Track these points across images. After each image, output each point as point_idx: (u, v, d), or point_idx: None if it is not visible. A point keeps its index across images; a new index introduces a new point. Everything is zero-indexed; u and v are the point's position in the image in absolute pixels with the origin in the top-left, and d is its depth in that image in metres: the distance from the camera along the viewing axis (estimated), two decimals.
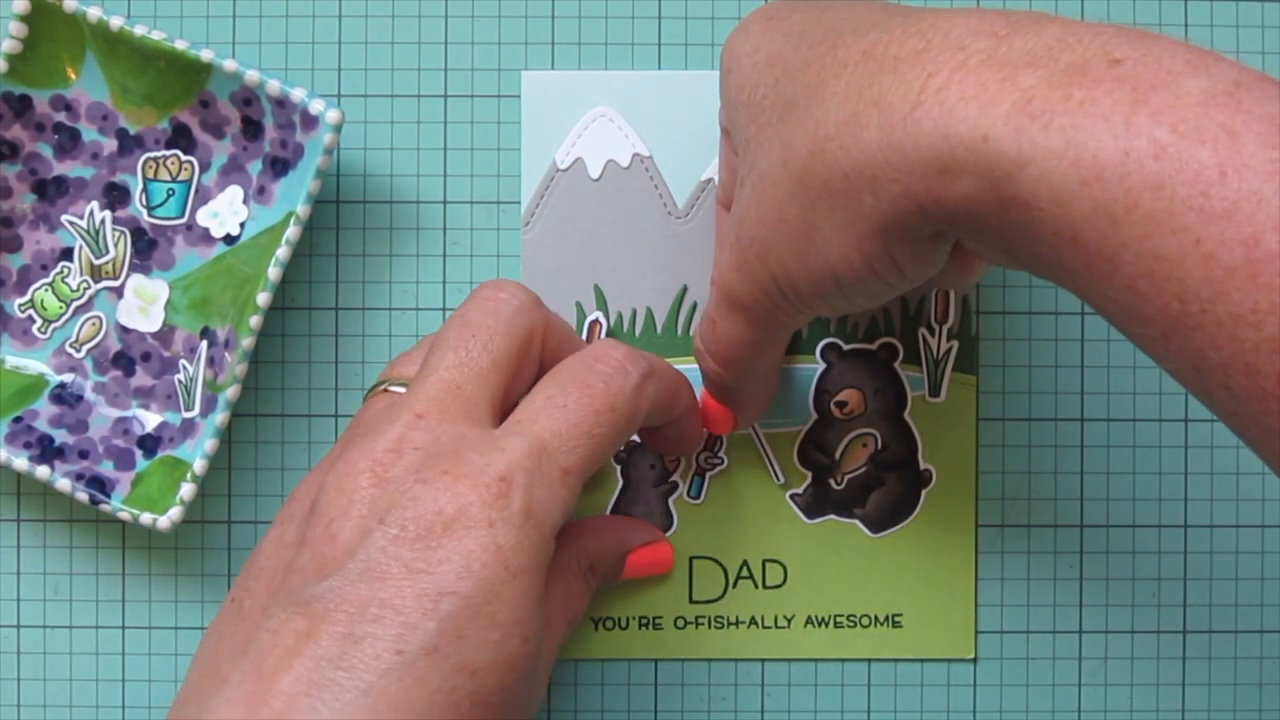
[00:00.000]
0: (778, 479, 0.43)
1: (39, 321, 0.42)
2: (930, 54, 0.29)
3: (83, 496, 0.40)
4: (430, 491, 0.32)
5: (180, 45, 0.39)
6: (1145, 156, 0.26)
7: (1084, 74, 0.28)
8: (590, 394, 0.34)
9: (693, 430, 0.40)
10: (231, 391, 0.40)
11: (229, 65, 0.39)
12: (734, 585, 0.43)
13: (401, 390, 0.36)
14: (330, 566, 0.31)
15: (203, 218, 0.42)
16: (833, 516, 0.43)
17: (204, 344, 0.41)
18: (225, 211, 0.42)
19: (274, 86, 0.39)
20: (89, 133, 0.41)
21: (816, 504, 0.43)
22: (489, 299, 0.36)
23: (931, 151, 0.29)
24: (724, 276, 0.35)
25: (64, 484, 0.40)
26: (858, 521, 0.43)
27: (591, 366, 0.35)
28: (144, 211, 0.42)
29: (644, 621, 0.43)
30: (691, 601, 0.43)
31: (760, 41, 0.35)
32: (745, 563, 0.43)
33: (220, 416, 0.40)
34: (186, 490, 0.40)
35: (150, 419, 0.42)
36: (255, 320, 0.39)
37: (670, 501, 0.43)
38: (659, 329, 0.42)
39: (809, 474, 0.43)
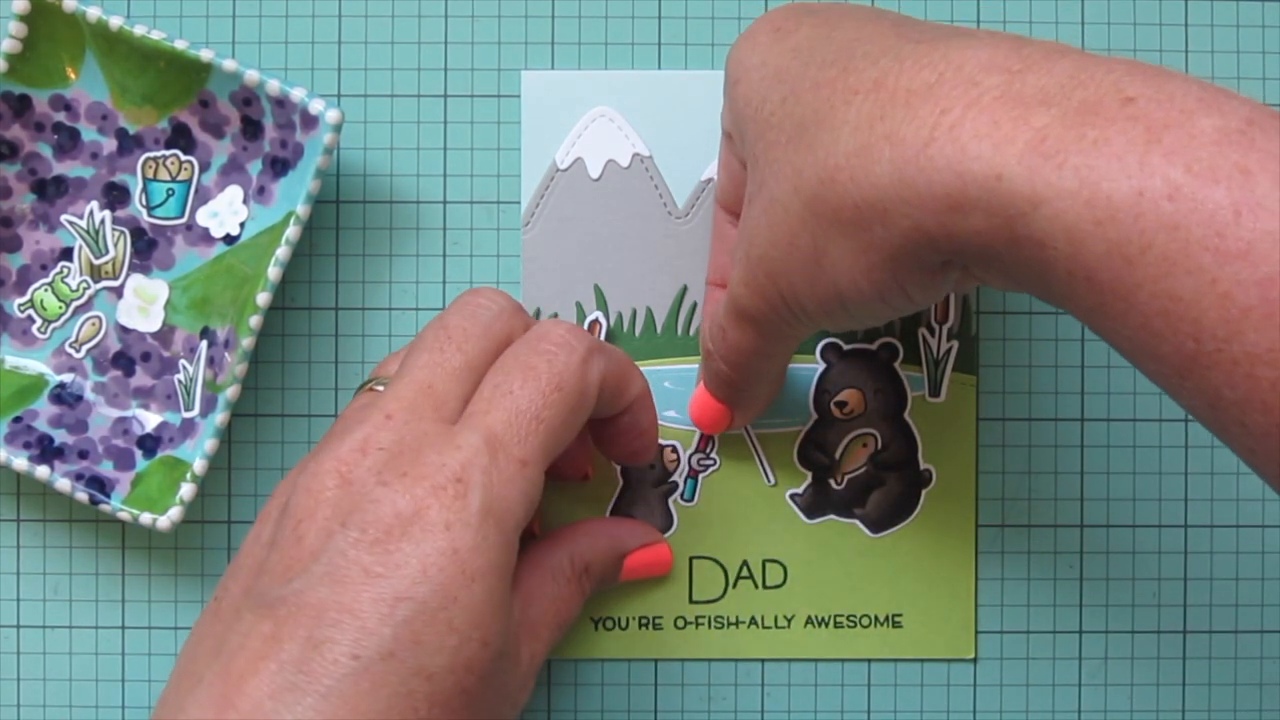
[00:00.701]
0: (768, 479, 0.43)
1: (39, 321, 0.42)
2: (943, 89, 0.29)
3: (82, 496, 0.40)
4: (389, 494, 0.32)
5: (180, 45, 0.39)
6: (1160, 197, 0.26)
7: (1097, 113, 0.28)
8: (535, 375, 0.34)
9: (648, 422, 0.39)
10: (231, 391, 0.40)
11: (229, 65, 0.39)
12: (734, 585, 0.43)
13: (383, 389, 0.36)
14: (295, 569, 0.32)
15: (202, 218, 0.42)
16: (833, 516, 0.43)
17: (204, 344, 0.41)
18: (225, 211, 0.42)
19: (274, 86, 0.39)
20: (89, 133, 0.41)
21: (816, 504, 0.43)
22: (468, 304, 0.36)
23: (944, 189, 0.29)
24: (734, 291, 0.36)
25: (64, 484, 0.40)
26: (858, 521, 0.43)
27: (534, 347, 0.35)
28: (144, 211, 0.42)
29: (644, 621, 0.43)
30: (691, 601, 0.43)
31: (768, 54, 0.34)
32: (745, 563, 0.43)
33: (220, 416, 0.40)
34: (186, 490, 0.40)
35: (150, 419, 0.42)
36: (255, 320, 0.39)
37: (670, 502, 0.43)
38: (659, 329, 0.42)
39: (809, 474, 0.43)
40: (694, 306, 0.42)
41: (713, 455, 0.43)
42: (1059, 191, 0.27)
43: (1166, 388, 0.28)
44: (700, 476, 0.43)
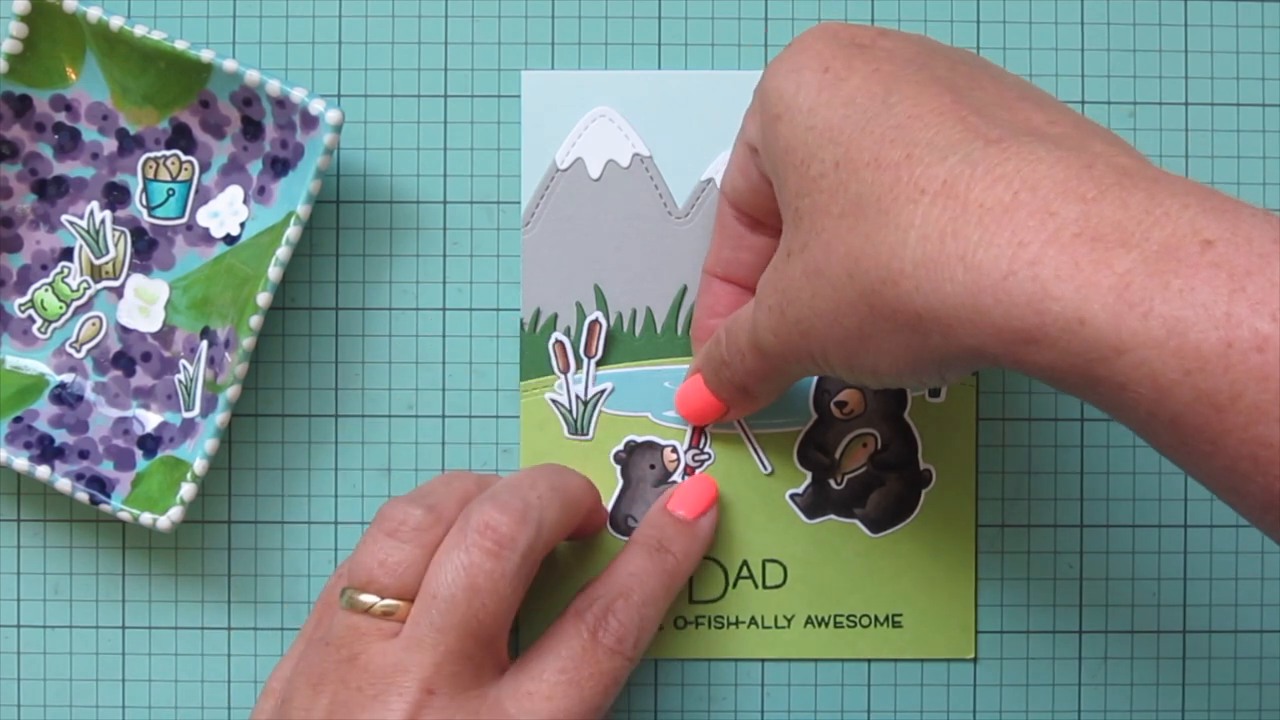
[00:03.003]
0: (765, 468, 0.43)
1: (39, 321, 0.42)
2: (1019, 215, 0.29)
3: (83, 496, 0.40)
4: None
5: (180, 45, 0.39)
6: (1249, 349, 0.27)
7: (1178, 258, 0.28)
8: (594, 672, 0.36)
9: (599, 521, 0.42)
10: (231, 391, 0.40)
11: (229, 65, 0.39)
12: (734, 585, 0.43)
13: (385, 606, 0.35)
14: None
15: (203, 218, 0.42)
16: (833, 516, 0.43)
17: (204, 344, 0.41)
18: (225, 211, 0.42)
19: (274, 86, 0.39)
20: (89, 133, 0.41)
21: (816, 504, 0.43)
22: (480, 566, 0.35)
23: (1022, 323, 0.29)
24: (760, 335, 0.36)
25: (64, 484, 0.40)
26: (858, 521, 0.43)
27: (595, 639, 0.37)
28: (144, 211, 0.42)
29: None
30: (691, 601, 0.43)
31: (816, 101, 0.34)
32: (745, 563, 0.43)
33: (220, 416, 0.40)
34: (186, 490, 0.40)
35: (150, 419, 0.42)
36: (255, 320, 0.39)
37: None
38: (659, 329, 0.42)
39: (809, 474, 0.43)
40: (694, 306, 0.42)
41: (707, 449, 0.43)
42: (1145, 340, 0.27)
43: (1248, 517, 0.29)
44: (697, 472, 0.43)
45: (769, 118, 0.35)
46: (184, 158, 0.42)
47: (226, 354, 0.40)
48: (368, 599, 0.35)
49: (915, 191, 0.30)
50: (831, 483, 0.43)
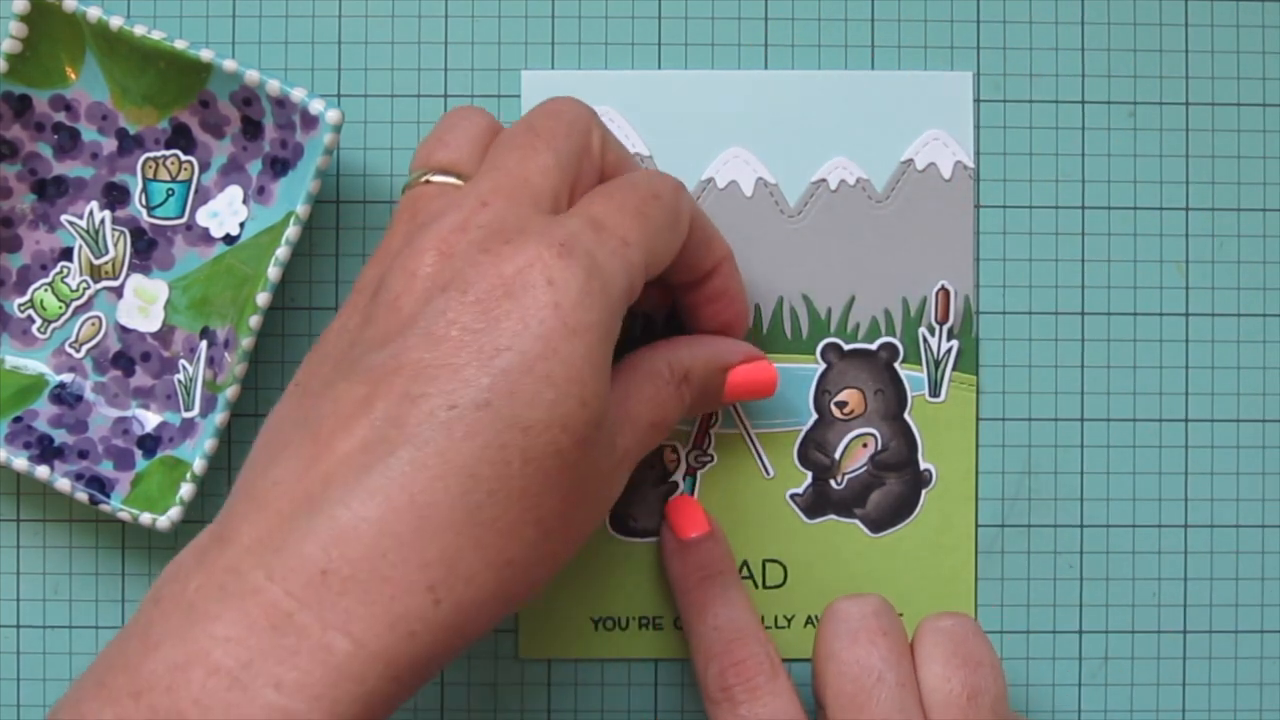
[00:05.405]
0: (767, 473, 0.43)
1: (39, 321, 0.42)
2: None
3: (82, 496, 0.40)
4: (493, 259, 0.32)
5: (180, 45, 0.39)
6: None
7: None
8: (634, 186, 0.35)
9: (737, 287, 0.40)
10: (231, 391, 0.40)
11: (229, 65, 0.39)
12: None
13: (447, 180, 0.35)
14: (393, 335, 0.32)
15: (202, 218, 0.42)
16: (833, 516, 0.43)
17: (204, 344, 0.41)
18: (225, 211, 0.42)
19: (274, 86, 0.39)
20: (89, 133, 0.41)
21: (816, 504, 0.43)
22: (551, 109, 0.36)
23: None
24: None
25: (64, 484, 0.40)
26: (858, 521, 0.43)
27: (632, 172, 0.37)
28: (144, 211, 0.42)
29: (644, 621, 0.43)
30: None
31: None
32: (745, 563, 0.43)
33: (220, 416, 0.40)
34: (186, 490, 0.40)
35: (150, 419, 0.42)
36: (255, 320, 0.39)
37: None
38: (659, 329, 0.42)
39: (809, 474, 0.43)
40: None
41: (710, 452, 0.43)
42: None
43: None
44: (699, 473, 0.43)
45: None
46: (184, 158, 0.42)
47: (226, 354, 0.40)
48: (439, 178, 0.36)
49: None
50: (831, 483, 0.43)
